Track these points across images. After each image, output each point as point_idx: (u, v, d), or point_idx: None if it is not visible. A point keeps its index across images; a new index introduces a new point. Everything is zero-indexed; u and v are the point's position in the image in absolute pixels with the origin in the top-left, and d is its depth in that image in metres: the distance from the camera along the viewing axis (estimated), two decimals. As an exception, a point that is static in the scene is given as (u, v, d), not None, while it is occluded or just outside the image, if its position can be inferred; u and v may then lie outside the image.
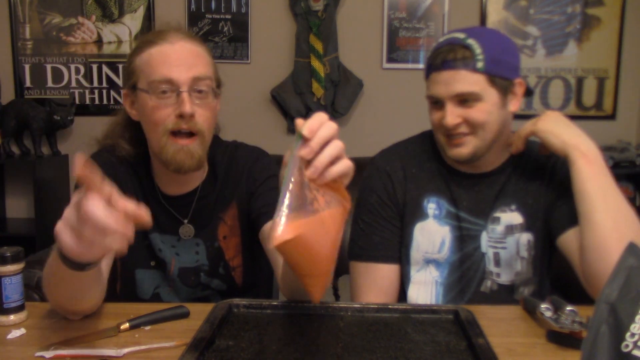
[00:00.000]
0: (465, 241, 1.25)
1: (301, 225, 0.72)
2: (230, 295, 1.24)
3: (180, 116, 1.09)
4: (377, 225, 1.28)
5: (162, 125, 1.10)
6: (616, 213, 1.07)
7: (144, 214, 0.74)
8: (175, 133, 1.11)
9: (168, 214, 1.23)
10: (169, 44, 1.12)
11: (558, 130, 1.14)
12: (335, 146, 0.74)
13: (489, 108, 1.16)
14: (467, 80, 1.14)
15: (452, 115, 1.16)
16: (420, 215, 1.27)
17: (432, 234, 1.26)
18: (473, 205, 1.25)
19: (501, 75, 1.16)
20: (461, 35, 1.17)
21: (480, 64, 1.14)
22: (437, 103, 1.20)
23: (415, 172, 1.29)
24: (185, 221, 1.23)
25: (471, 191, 1.26)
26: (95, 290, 0.99)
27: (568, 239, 1.18)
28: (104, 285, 1.04)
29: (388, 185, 1.28)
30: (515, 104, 1.21)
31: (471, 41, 1.15)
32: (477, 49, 1.14)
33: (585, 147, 1.11)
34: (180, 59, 1.10)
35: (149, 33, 1.20)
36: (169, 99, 1.09)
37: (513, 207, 1.25)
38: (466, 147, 1.18)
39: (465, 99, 1.15)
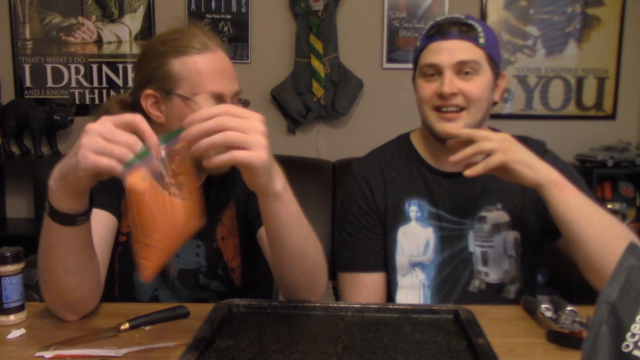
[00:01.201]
0: (450, 241, 1.25)
1: (149, 185, 0.78)
2: (229, 296, 1.23)
3: None
4: (358, 235, 1.28)
5: None
6: (605, 234, 1.04)
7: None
8: None
9: None
10: (212, 52, 1.12)
11: (530, 160, 1.07)
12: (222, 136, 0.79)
13: (485, 83, 1.17)
14: (470, 50, 1.16)
15: (451, 83, 1.15)
16: (403, 219, 1.26)
17: (415, 237, 1.25)
18: (455, 205, 1.25)
19: (495, 59, 1.20)
20: (461, 16, 1.21)
21: (482, 40, 1.17)
22: (432, 74, 1.19)
23: (394, 176, 1.28)
24: None
25: (452, 191, 1.26)
26: (89, 268, 0.97)
27: None
28: (98, 273, 1.02)
29: (367, 193, 1.28)
30: (497, 95, 1.23)
31: (472, 21, 1.19)
32: (478, 28, 1.18)
33: (554, 175, 1.06)
34: (225, 70, 1.13)
35: (177, 32, 1.16)
36: None
37: (499, 205, 1.25)
38: (457, 123, 1.16)
39: (465, 71, 1.16)
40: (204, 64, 1.11)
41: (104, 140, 0.77)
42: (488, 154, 1.07)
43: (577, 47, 2.91)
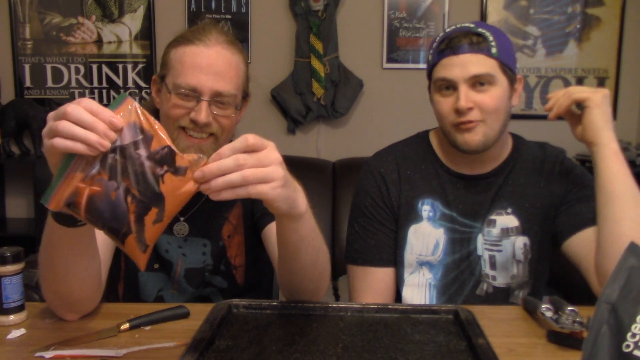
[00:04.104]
0: (460, 243, 1.25)
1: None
2: (232, 293, 1.24)
3: (194, 122, 1.10)
4: (371, 228, 1.27)
5: (175, 122, 1.12)
6: None
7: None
8: (187, 129, 1.12)
9: None
10: (205, 46, 1.11)
11: (607, 117, 1.10)
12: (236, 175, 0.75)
13: (501, 94, 1.16)
14: (483, 63, 1.14)
15: (466, 98, 1.14)
16: (415, 217, 1.26)
17: (425, 236, 1.25)
18: (468, 207, 1.25)
19: (509, 66, 1.18)
20: (471, 25, 1.18)
21: (494, 50, 1.15)
22: (447, 89, 1.18)
23: (410, 173, 1.28)
24: (182, 219, 1.22)
25: (467, 193, 1.25)
26: (90, 267, 0.97)
27: (575, 243, 1.17)
28: (98, 273, 1.02)
29: (382, 188, 1.27)
30: (515, 99, 1.22)
31: (482, 30, 1.16)
32: (490, 37, 1.16)
33: (616, 146, 1.10)
34: (211, 66, 1.10)
35: (194, 27, 1.17)
36: (189, 102, 1.10)
37: (509, 210, 1.24)
38: (476, 134, 1.16)
39: (479, 82, 1.15)
40: (189, 56, 1.10)
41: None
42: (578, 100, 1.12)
43: (577, 47, 2.91)
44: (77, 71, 2.95)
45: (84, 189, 0.76)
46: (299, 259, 0.96)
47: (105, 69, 2.95)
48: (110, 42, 2.93)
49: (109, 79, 2.96)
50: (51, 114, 0.78)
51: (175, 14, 2.88)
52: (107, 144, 0.74)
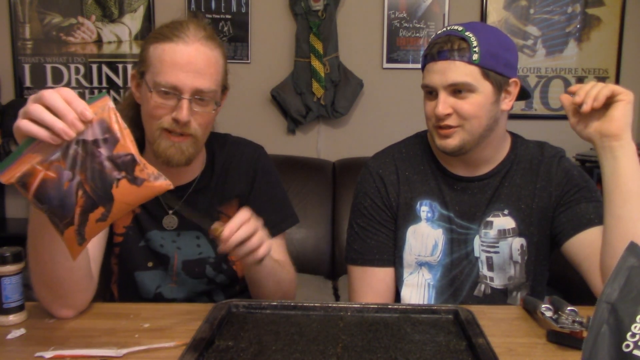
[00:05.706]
0: (458, 244, 1.25)
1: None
2: (233, 288, 1.26)
3: (176, 120, 1.10)
4: (371, 229, 1.28)
5: (157, 121, 1.11)
6: None
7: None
8: (169, 130, 1.12)
9: (157, 203, 1.23)
10: (184, 43, 1.10)
11: (631, 117, 1.07)
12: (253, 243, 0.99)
13: (481, 101, 1.15)
14: (461, 71, 1.14)
15: (444, 104, 1.15)
16: (413, 218, 1.26)
17: (424, 237, 1.26)
18: (465, 209, 1.25)
19: (496, 70, 1.16)
20: (459, 28, 1.17)
21: (475, 56, 1.14)
22: (431, 93, 1.19)
23: (408, 175, 1.28)
24: (170, 212, 1.23)
25: (463, 195, 1.25)
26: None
27: (576, 244, 1.17)
28: (87, 263, 1.03)
29: (381, 189, 1.28)
30: (508, 103, 1.20)
31: (469, 34, 1.15)
32: (474, 42, 1.14)
33: (633, 147, 1.07)
34: (190, 63, 1.09)
35: (171, 22, 1.18)
36: (170, 100, 1.10)
37: (506, 211, 1.24)
38: (454, 139, 1.18)
39: (458, 90, 1.15)
40: (168, 54, 1.10)
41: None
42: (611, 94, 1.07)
43: (577, 47, 2.91)
44: (77, 71, 2.95)
45: (39, 171, 0.78)
46: (262, 287, 1.17)
47: (105, 69, 2.95)
48: (110, 42, 2.93)
49: (109, 79, 2.96)
50: (31, 97, 0.79)
51: (175, 14, 2.85)
52: (72, 134, 0.76)
